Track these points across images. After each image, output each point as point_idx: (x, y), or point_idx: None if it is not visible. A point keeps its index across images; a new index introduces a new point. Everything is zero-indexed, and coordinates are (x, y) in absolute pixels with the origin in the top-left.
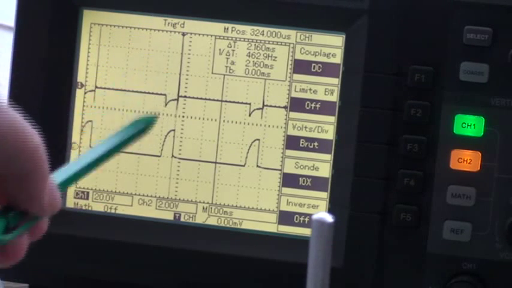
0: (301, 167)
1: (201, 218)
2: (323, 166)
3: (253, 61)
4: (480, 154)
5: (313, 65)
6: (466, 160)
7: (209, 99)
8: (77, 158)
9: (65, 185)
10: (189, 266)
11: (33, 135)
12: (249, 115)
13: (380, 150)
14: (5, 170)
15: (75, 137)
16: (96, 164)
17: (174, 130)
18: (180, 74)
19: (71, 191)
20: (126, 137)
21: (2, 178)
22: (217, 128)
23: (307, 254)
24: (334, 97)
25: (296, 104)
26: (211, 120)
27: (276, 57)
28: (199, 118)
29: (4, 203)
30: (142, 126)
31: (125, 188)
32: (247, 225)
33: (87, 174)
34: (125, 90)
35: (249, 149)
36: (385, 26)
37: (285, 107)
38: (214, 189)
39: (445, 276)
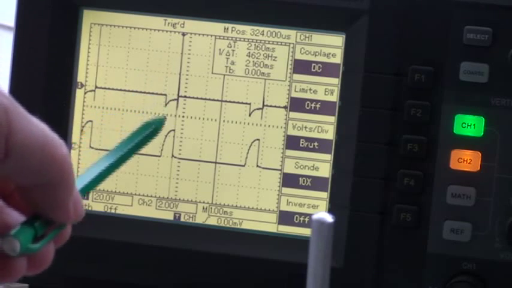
0: (301, 167)
1: (201, 218)
2: (323, 166)
3: (253, 61)
4: (480, 154)
5: (313, 65)
6: (466, 160)
7: (209, 99)
8: (93, 164)
9: (84, 191)
10: (189, 266)
11: (61, 146)
12: (249, 115)
13: (380, 150)
14: (33, 181)
15: (75, 137)
16: (112, 169)
17: (174, 130)
18: (180, 74)
19: None
20: (139, 141)
21: (28, 188)
22: (217, 128)
23: (307, 254)
24: (334, 97)
25: (296, 104)
26: (211, 120)
27: (276, 57)
28: (199, 118)
29: (29, 212)
30: (153, 129)
31: (124, 188)
32: (247, 225)
33: (105, 180)
34: (124, 90)
35: (249, 149)
36: (385, 26)
37: (285, 107)
38: (214, 189)
39: (445, 276)
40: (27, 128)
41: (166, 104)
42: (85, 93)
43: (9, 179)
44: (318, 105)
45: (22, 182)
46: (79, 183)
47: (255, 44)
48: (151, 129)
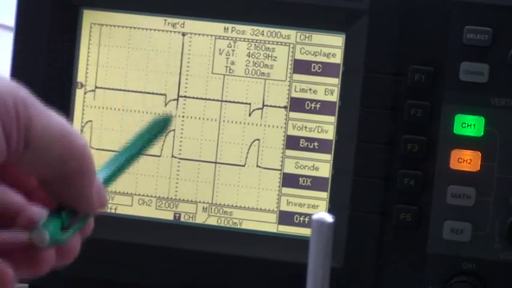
0: (301, 167)
1: (201, 218)
2: (323, 166)
3: (253, 61)
4: (480, 154)
5: (313, 65)
6: (466, 160)
7: (209, 99)
8: (108, 160)
9: (106, 182)
10: (189, 266)
11: (80, 137)
12: (249, 115)
13: (380, 150)
14: (54, 172)
15: None
16: (129, 163)
17: (174, 130)
18: (180, 74)
19: None
20: (149, 138)
21: (51, 180)
22: (217, 128)
23: (307, 254)
24: (334, 97)
25: (296, 104)
26: (211, 120)
27: (276, 57)
28: (199, 118)
29: (52, 205)
30: (161, 126)
31: (124, 188)
32: (247, 225)
33: (122, 174)
34: (124, 90)
35: (249, 149)
36: (385, 26)
37: (285, 107)
38: (214, 189)
39: (445, 276)
40: (46, 120)
41: (166, 104)
42: (85, 93)
43: (31, 172)
44: (318, 105)
45: (44, 173)
46: (100, 175)
47: (255, 44)
48: (159, 127)
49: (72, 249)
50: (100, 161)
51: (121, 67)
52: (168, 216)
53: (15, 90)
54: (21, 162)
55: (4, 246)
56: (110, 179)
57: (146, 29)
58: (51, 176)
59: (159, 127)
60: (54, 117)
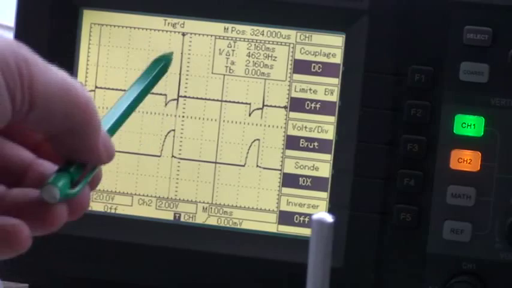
0: (301, 167)
1: (201, 218)
2: (323, 166)
3: (253, 61)
4: (480, 154)
5: (313, 65)
6: (466, 160)
7: (209, 99)
8: (112, 106)
9: (111, 131)
10: (189, 266)
11: (83, 90)
12: (249, 115)
13: (380, 150)
14: (60, 127)
15: None
16: (132, 108)
17: (174, 130)
18: (180, 74)
19: None
20: (151, 78)
21: (57, 136)
22: (217, 128)
23: (307, 254)
24: (334, 97)
25: (296, 104)
26: (211, 120)
27: (276, 57)
28: (199, 118)
29: (61, 161)
30: (163, 64)
31: (124, 188)
32: (247, 225)
33: (127, 119)
34: (124, 90)
35: (249, 149)
36: (385, 26)
37: (285, 107)
38: (214, 189)
39: (445, 276)
40: (48, 76)
41: (166, 104)
42: None
43: (37, 128)
44: (318, 105)
45: (50, 129)
46: (105, 125)
47: (255, 44)
48: (161, 65)
49: (83, 203)
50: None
51: (121, 67)
52: (168, 216)
53: (16, 49)
54: (27, 120)
55: (15, 204)
56: (115, 127)
57: (146, 29)
58: (56, 131)
59: (161, 67)
60: (55, 72)
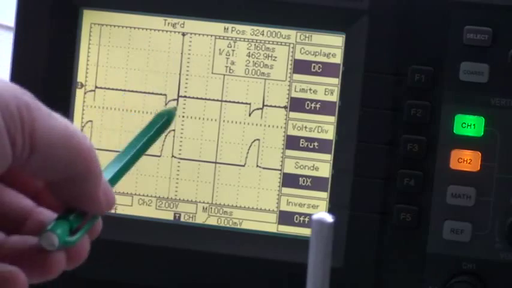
0: (301, 167)
1: (201, 218)
2: (323, 166)
3: (253, 61)
4: (480, 154)
5: (313, 65)
6: (466, 160)
7: (209, 99)
8: (114, 158)
9: (112, 182)
10: (189, 266)
11: (85, 139)
12: (249, 115)
13: (380, 150)
14: (61, 175)
15: None
16: (133, 161)
17: (174, 130)
18: (180, 74)
19: None
20: (154, 132)
21: (57, 183)
22: (217, 128)
23: (307, 254)
24: (334, 97)
25: (296, 104)
26: (211, 120)
27: (276, 57)
28: (199, 118)
29: (60, 210)
30: (166, 119)
31: (124, 188)
32: (247, 225)
33: (127, 172)
34: (124, 90)
35: (249, 149)
36: (385, 26)
37: (285, 107)
38: (214, 189)
39: (445, 276)
40: (50, 123)
41: (166, 104)
42: (85, 93)
43: (37, 175)
44: (318, 105)
45: (50, 177)
46: (106, 175)
47: (255, 44)
48: (164, 120)
49: (82, 251)
50: (100, 160)
51: (121, 67)
52: (168, 216)
53: (18, 94)
54: (27, 166)
55: (14, 251)
56: (116, 178)
57: (146, 29)
58: (57, 178)
59: (163, 121)
60: (58, 120)
